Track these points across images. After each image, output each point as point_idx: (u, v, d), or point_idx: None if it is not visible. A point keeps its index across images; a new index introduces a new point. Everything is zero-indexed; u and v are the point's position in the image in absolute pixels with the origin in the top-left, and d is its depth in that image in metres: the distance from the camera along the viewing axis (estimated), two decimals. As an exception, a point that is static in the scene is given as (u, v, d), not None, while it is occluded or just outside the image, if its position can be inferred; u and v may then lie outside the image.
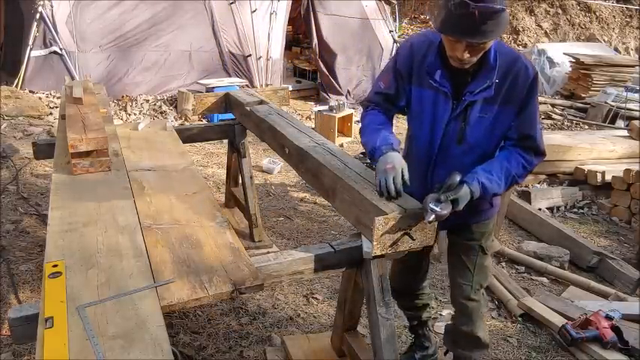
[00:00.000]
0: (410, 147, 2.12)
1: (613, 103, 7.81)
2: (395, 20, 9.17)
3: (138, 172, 2.44)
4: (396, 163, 1.82)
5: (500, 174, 1.89)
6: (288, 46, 9.43)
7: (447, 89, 1.89)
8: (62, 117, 2.92)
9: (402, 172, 1.81)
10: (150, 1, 6.81)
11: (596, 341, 2.69)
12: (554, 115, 8.22)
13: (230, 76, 7.31)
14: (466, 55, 1.73)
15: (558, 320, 2.88)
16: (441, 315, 3.06)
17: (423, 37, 1.96)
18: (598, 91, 8.64)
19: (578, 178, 5.18)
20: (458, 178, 1.78)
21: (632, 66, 9.22)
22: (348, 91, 8.14)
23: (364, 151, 6.52)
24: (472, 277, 2.18)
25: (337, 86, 8.07)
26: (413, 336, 2.63)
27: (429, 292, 2.54)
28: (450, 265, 2.29)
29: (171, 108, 6.75)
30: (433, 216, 1.70)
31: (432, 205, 1.71)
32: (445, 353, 2.52)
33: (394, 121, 2.17)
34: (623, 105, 7.64)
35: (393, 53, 8.39)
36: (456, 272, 2.24)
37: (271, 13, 7.59)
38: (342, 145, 6.28)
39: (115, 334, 1.33)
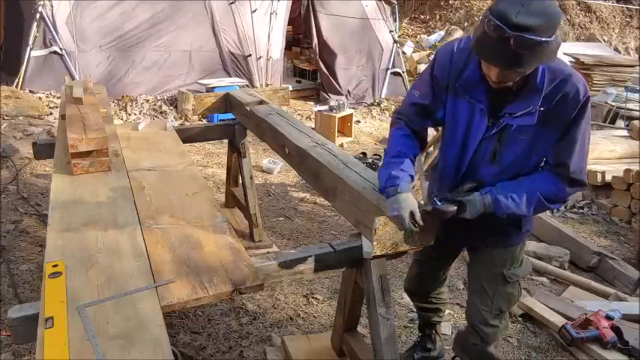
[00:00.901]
0: (440, 159, 2.00)
1: (613, 103, 7.80)
2: (395, 20, 9.16)
3: (138, 172, 2.44)
4: (402, 208, 1.67)
5: (521, 194, 1.73)
6: (288, 46, 9.43)
7: (483, 106, 1.73)
8: (62, 117, 2.92)
9: (412, 214, 1.67)
10: (150, 1, 6.81)
11: (596, 341, 2.68)
12: (554, 115, 8.21)
13: (230, 76, 7.31)
14: (500, 78, 1.58)
15: (558, 320, 2.88)
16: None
17: (465, 45, 1.76)
18: (598, 91, 8.63)
19: (578, 178, 5.17)
20: (470, 185, 1.76)
21: (632, 66, 9.21)
22: (348, 91, 8.14)
23: (364, 151, 6.49)
24: (491, 303, 2.03)
25: (337, 86, 8.07)
26: (419, 334, 2.59)
27: (445, 298, 2.43)
28: (470, 282, 2.17)
29: (171, 108, 6.75)
30: (431, 207, 1.70)
31: (435, 199, 1.71)
32: (453, 358, 2.51)
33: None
34: (623, 105, 7.64)
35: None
36: (475, 293, 2.10)
37: (271, 13, 7.58)
38: (342, 145, 6.28)
39: (115, 334, 1.33)
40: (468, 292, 2.19)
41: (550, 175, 1.75)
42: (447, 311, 3.01)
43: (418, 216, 1.68)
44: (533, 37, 1.43)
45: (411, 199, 1.71)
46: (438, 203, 1.71)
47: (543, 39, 1.44)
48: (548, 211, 1.84)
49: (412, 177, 1.79)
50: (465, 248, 2.23)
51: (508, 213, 1.75)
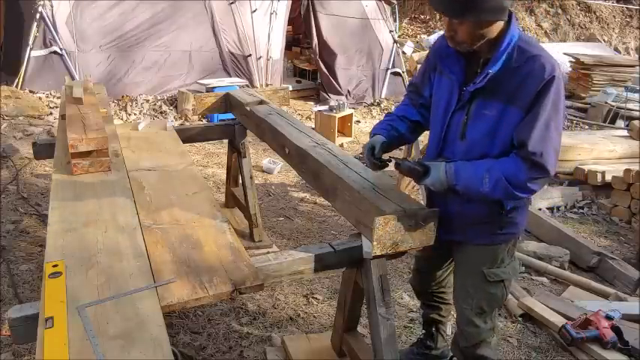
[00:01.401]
0: (429, 137, 2.07)
1: (613, 103, 7.81)
2: (395, 20, 9.17)
3: (138, 172, 2.44)
4: (368, 145, 2.00)
5: (483, 170, 1.74)
6: (288, 46, 9.43)
7: (454, 76, 1.83)
8: (62, 117, 2.92)
9: (373, 149, 1.98)
10: (150, 1, 6.81)
11: (596, 341, 2.68)
12: (554, 115, 8.21)
13: (230, 76, 7.31)
14: (449, 32, 1.73)
15: (558, 320, 2.88)
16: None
17: None
18: (598, 91, 8.63)
19: (578, 178, 5.18)
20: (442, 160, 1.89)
21: (632, 66, 9.21)
22: (348, 91, 8.14)
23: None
24: (472, 301, 2.03)
25: (337, 86, 8.07)
26: (423, 331, 2.58)
27: (448, 298, 2.39)
28: (453, 280, 2.18)
29: (171, 108, 6.76)
30: (395, 162, 1.90)
31: (406, 160, 1.91)
32: (450, 358, 2.51)
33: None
34: (623, 105, 7.64)
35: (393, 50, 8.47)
36: (457, 291, 2.12)
37: (271, 13, 7.59)
38: (342, 145, 6.28)
39: (115, 334, 1.33)
40: (453, 290, 2.19)
41: (513, 156, 1.75)
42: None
43: (377, 149, 1.95)
44: None
45: (376, 138, 2.01)
46: (407, 163, 1.87)
47: None
48: (516, 199, 1.82)
49: (393, 127, 2.06)
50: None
51: (470, 188, 1.77)
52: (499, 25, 1.71)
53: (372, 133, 2.08)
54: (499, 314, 3.12)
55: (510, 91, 1.71)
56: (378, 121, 7.74)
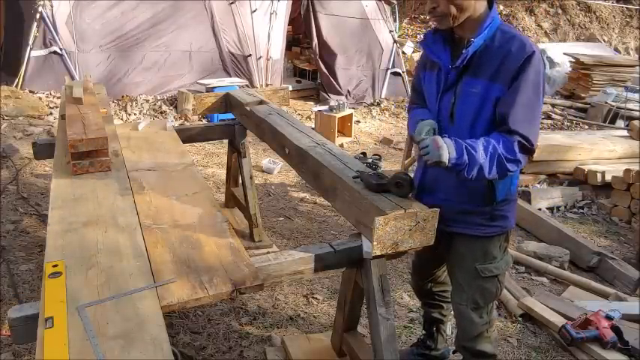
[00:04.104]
0: None
1: (613, 103, 7.81)
2: (395, 20, 9.17)
3: (138, 172, 2.44)
4: (424, 130, 1.90)
5: (478, 143, 1.74)
6: (288, 46, 9.43)
7: (441, 61, 1.89)
8: (62, 117, 2.92)
9: (433, 129, 1.90)
10: (150, 2, 6.81)
11: (596, 341, 2.68)
12: (554, 115, 8.22)
13: (230, 76, 7.31)
14: (432, 4, 1.77)
15: (558, 320, 2.88)
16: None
17: None
18: (598, 91, 8.64)
19: (578, 178, 5.18)
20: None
21: (632, 66, 9.22)
22: (348, 91, 8.14)
23: (364, 151, 6.51)
24: (465, 295, 2.05)
25: (337, 86, 8.07)
26: (423, 331, 2.59)
27: (448, 297, 2.37)
28: (448, 275, 2.22)
29: (171, 108, 6.75)
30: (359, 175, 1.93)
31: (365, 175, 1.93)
32: (454, 352, 2.51)
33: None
34: (623, 105, 7.64)
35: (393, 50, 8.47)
36: (452, 286, 2.16)
37: (271, 13, 7.59)
38: (342, 145, 6.28)
39: (115, 334, 1.33)
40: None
41: (498, 133, 1.79)
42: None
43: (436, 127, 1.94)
44: None
45: (429, 122, 1.94)
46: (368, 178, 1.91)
47: None
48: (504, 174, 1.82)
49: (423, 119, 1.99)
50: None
51: (471, 156, 1.72)
52: (481, 4, 1.80)
53: (414, 126, 1.98)
54: (499, 314, 3.12)
55: (493, 68, 1.77)
56: (378, 121, 7.70)
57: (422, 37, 1.93)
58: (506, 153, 1.75)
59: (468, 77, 1.83)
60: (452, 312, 2.47)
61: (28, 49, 6.25)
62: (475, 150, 1.72)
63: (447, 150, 1.70)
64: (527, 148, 1.78)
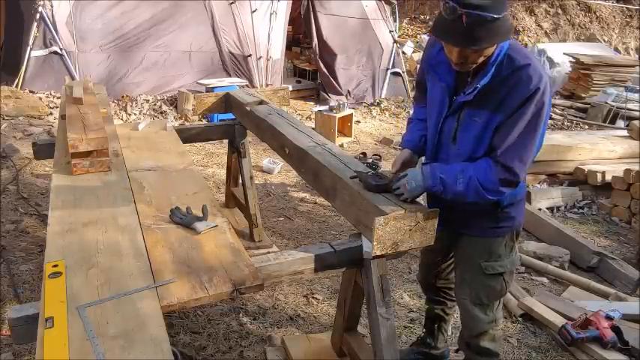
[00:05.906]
0: (427, 138, 2.14)
1: (613, 103, 7.81)
2: (395, 20, 9.17)
3: (138, 172, 2.44)
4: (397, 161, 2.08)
5: (457, 170, 1.82)
6: (288, 46, 9.42)
7: (445, 84, 1.89)
8: (62, 117, 2.92)
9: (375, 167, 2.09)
10: (150, 2, 6.81)
11: (596, 341, 2.68)
12: (554, 115, 8.22)
13: (230, 76, 7.31)
14: (460, 60, 1.71)
15: (558, 320, 2.88)
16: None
17: None
18: (598, 91, 8.64)
19: (578, 178, 5.18)
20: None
21: (632, 66, 9.22)
22: (348, 91, 8.14)
23: (364, 151, 6.51)
24: (470, 292, 2.09)
25: (337, 86, 8.07)
26: (424, 330, 2.59)
27: (451, 295, 2.41)
28: (455, 272, 2.25)
29: (171, 108, 6.75)
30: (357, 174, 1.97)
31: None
32: (456, 351, 2.51)
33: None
34: (623, 105, 7.64)
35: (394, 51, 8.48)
36: (457, 282, 2.19)
37: (271, 13, 7.58)
38: (342, 145, 6.28)
39: (115, 334, 1.33)
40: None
41: (485, 159, 1.82)
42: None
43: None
44: (482, 14, 1.56)
45: (401, 155, 2.11)
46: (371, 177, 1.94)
47: (494, 15, 1.58)
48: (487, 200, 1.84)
49: (424, 135, 2.10)
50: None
51: (446, 186, 1.82)
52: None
53: (403, 147, 2.16)
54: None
55: (498, 100, 1.76)
56: (378, 121, 7.72)
57: (425, 38, 1.92)
58: (486, 183, 1.79)
59: (472, 107, 1.82)
60: (455, 311, 2.48)
61: (28, 49, 6.25)
62: (451, 180, 1.82)
63: (418, 189, 1.85)
64: (510, 181, 1.80)
